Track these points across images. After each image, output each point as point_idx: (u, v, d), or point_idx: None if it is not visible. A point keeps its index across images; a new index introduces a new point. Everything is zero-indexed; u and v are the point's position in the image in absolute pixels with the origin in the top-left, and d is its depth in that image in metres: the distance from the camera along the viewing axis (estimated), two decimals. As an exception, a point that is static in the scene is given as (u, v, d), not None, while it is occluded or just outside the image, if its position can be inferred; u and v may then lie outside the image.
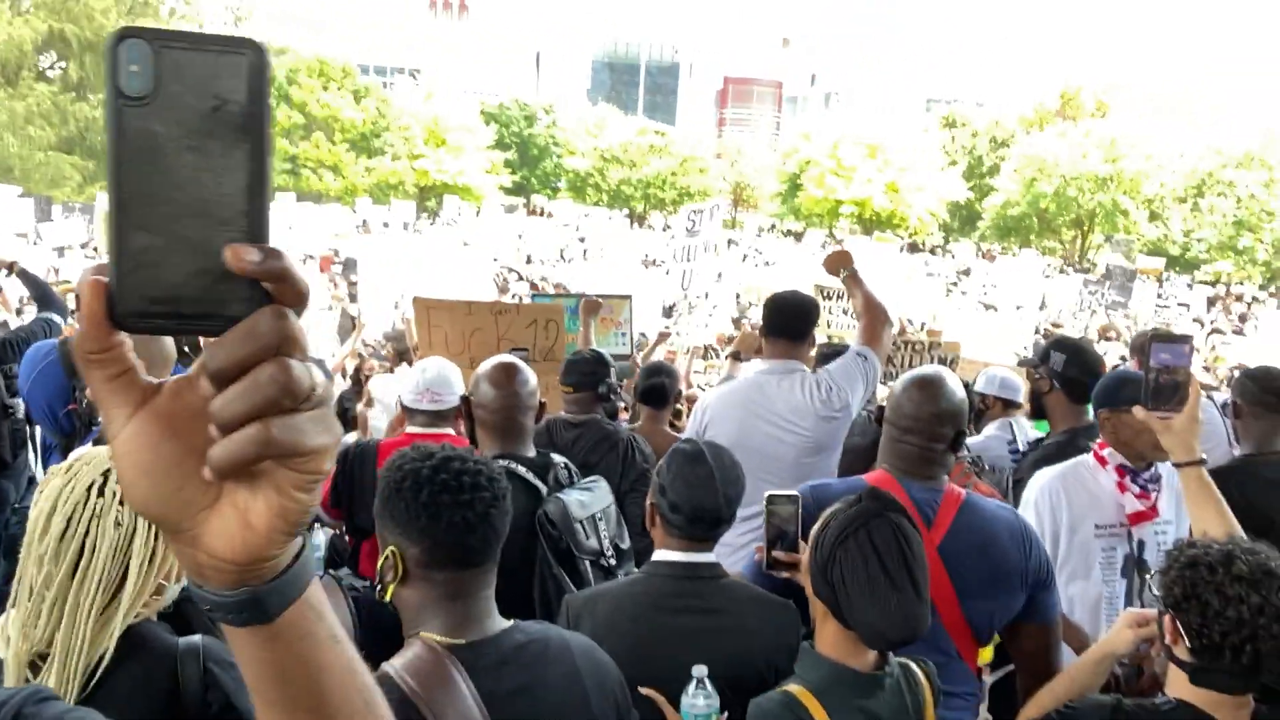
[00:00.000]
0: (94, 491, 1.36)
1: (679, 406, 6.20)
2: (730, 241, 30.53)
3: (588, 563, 2.50)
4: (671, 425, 4.37)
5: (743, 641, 2.03)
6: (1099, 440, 2.82)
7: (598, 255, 20.59)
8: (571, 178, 49.53)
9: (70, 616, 1.37)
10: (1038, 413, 3.54)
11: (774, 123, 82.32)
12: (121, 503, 1.39)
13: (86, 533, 1.36)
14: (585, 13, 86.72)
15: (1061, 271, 27.91)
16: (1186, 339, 2.26)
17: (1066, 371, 3.34)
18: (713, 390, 3.68)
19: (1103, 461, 2.75)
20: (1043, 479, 2.80)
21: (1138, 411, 2.23)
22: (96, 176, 33.31)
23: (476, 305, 5.34)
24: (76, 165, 32.93)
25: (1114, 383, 2.85)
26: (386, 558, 1.51)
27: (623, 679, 1.73)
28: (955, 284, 23.93)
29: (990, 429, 4.60)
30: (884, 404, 2.43)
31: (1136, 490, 2.69)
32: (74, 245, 14.97)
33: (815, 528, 1.93)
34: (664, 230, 31.90)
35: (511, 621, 1.58)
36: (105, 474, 1.37)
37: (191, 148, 0.53)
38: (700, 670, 1.84)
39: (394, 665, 1.45)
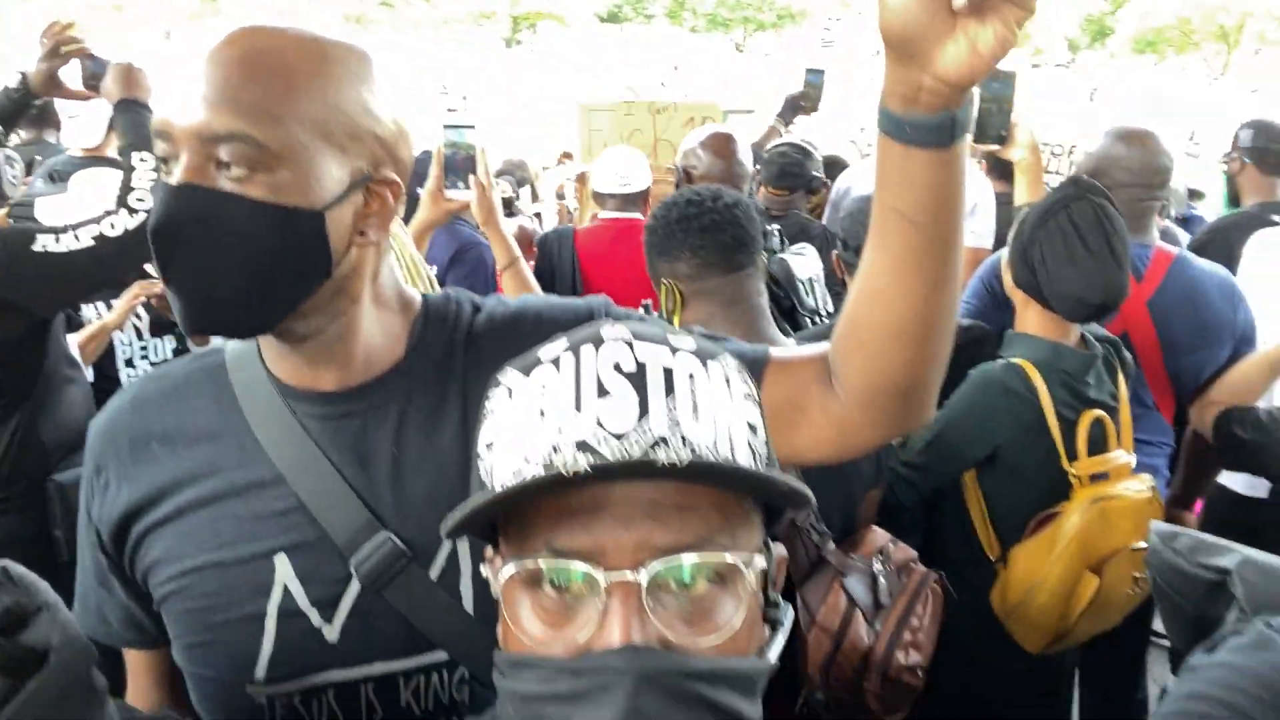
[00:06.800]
0: None
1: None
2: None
3: (808, 321, 2.61)
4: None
5: None
6: None
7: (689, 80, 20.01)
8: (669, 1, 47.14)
9: None
10: (1234, 200, 3.55)
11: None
12: None
13: None
14: None
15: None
16: None
17: (1255, 143, 3.38)
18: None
19: None
20: (1263, 234, 2.80)
21: None
22: None
23: (635, 105, 5.29)
24: None
25: None
26: (667, 292, 1.75)
27: None
28: (1089, 101, 22.00)
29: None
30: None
31: None
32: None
33: (1015, 224, 2.01)
34: (765, 56, 30.31)
35: None
36: None
37: None
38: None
39: None
